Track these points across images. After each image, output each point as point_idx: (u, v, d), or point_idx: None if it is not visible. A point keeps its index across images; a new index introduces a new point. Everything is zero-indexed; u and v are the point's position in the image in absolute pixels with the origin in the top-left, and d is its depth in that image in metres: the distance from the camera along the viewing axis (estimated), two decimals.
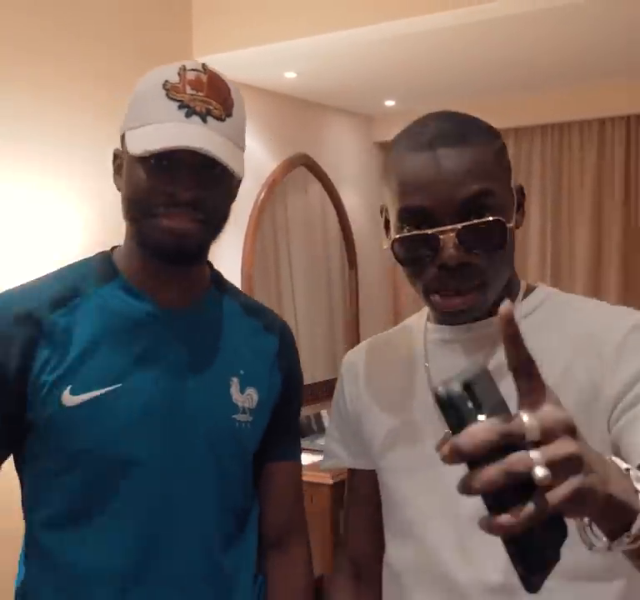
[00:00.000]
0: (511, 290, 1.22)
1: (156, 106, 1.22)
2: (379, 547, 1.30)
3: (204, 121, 1.21)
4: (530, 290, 1.24)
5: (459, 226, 1.09)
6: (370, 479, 1.31)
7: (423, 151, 1.12)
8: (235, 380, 1.34)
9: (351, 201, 4.63)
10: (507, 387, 1.02)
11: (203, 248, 1.30)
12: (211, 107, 1.22)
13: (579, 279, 4.40)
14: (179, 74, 1.23)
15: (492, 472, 0.65)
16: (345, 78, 3.85)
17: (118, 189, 1.30)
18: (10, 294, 1.30)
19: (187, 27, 3.34)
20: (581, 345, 1.15)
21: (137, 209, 1.25)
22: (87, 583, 1.27)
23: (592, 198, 4.41)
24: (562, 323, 1.20)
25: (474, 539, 1.13)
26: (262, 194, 3.90)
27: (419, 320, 1.32)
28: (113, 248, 1.38)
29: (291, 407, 1.42)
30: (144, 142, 1.20)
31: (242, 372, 1.35)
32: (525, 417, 0.68)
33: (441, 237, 1.09)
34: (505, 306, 0.74)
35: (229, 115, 1.25)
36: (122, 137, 1.28)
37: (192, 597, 1.30)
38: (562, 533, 0.72)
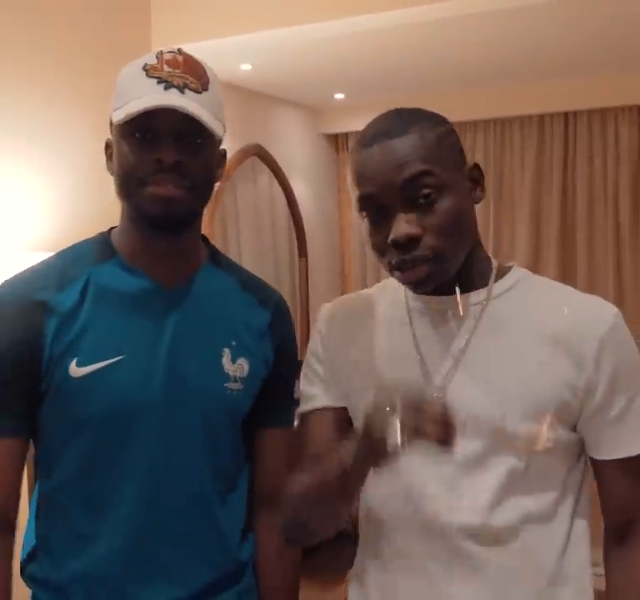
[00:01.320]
0: (483, 269, 1.33)
1: (136, 84, 1.30)
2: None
3: (182, 92, 1.29)
4: (504, 270, 1.34)
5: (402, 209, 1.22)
6: (335, 414, 1.38)
7: (367, 147, 1.25)
8: (227, 351, 1.43)
9: (300, 191, 4.67)
10: (479, 350, 1.23)
11: (192, 214, 1.38)
12: (188, 82, 1.30)
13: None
14: (157, 57, 1.32)
15: None
16: (297, 72, 3.90)
17: (111, 173, 1.38)
18: (16, 280, 1.40)
19: (146, 19, 3.36)
20: (562, 329, 1.26)
21: (126, 182, 1.33)
22: (93, 540, 1.37)
23: (531, 194, 4.48)
24: (538, 305, 1.30)
25: (456, 486, 1.25)
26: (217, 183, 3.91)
27: (398, 285, 1.39)
28: (111, 229, 1.46)
29: (282, 377, 1.50)
30: (126, 110, 1.28)
31: (234, 343, 1.44)
32: None
33: (391, 218, 1.22)
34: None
35: (206, 89, 1.33)
36: (110, 123, 1.35)
37: (190, 549, 1.41)
38: None
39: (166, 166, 1.29)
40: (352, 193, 1.29)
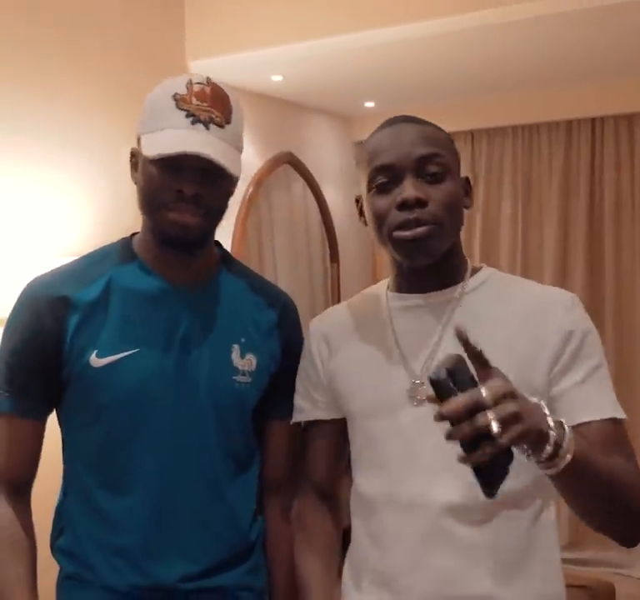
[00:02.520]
0: (460, 266, 1.46)
1: (167, 114, 1.42)
2: (336, 474, 1.57)
3: (207, 128, 1.42)
4: (476, 270, 1.48)
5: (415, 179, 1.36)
6: (331, 427, 1.54)
7: (387, 127, 1.42)
8: (236, 347, 1.55)
9: (332, 198, 4.71)
10: (453, 341, 1.27)
11: (205, 237, 1.51)
12: (213, 116, 1.43)
13: (547, 276, 4.45)
14: (187, 87, 1.43)
15: (464, 427, 1.02)
16: (328, 81, 3.95)
17: (135, 183, 1.51)
18: (44, 278, 1.53)
19: (180, 32, 3.43)
20: (527, 315, 1.38)
21: (149, 203, 1.46)
22: (114, 517, 1.49)
23: (559, 199, 4.48)
24: (507, 297, 1.43)
25: (437, 468, 1.35)
26: (250, 191, 3.96)
27: (379, 290, 1.54)
28: (133, 235, 1.59)
29: (290, 373, 1.60)
30: (157, 146, 1.41)
31: (243, 340, 1.56)
32: (482, 390, 1.05)
33: (403, 182, 1.35)
34: (459, 327, 1.10)
35: (228, 122, 1.45)
36: (138, 139, 1.47)
37: (203, 527, 1.51)
38: (511, 458, 1.08)
39: (186, 197, 1.42)
40: (363, 174, 1.42)
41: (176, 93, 1.43)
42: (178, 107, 1.42)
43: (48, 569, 1.55)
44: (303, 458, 1.60)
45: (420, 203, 1.35)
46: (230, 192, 1.51)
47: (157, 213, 1.45)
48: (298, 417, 1.58)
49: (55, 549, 1.56)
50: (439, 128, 1.44)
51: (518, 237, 4.61)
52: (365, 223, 1.47)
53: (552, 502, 1.43)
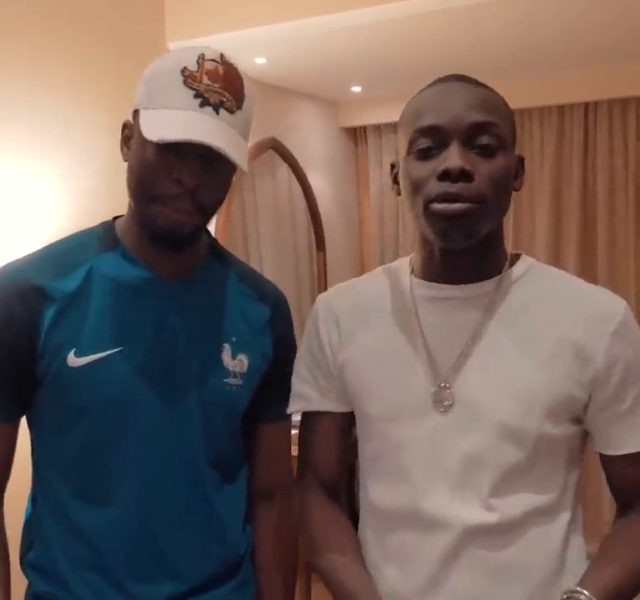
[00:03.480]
0: (498, 256, 1.31)
1: (173, 91, 1.27)
2: (341, 469, 1.43)
3: (216, 112, 1.27)
4: (514, 259, 1.33)
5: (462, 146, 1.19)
6: (337, 420, 1.40)
7: (438, 83, 1.26)
8: (227, 346, 1.43)
9: (318, 184, 4.65)
10: (488, 342, 1.23)
11: (197, 233, 1.38)
12: (224, 100, 1.28)
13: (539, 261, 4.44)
14: (198, 63, 1.27)
15: None
16: (313, 64, 3.88)
17: (125, 160, 1.36)
18: (15, 265, 1.38)
19: (159, 12, 3.34)
20: (571, 326, 1.25)
21: (142, 191, 1.32)
22: (91, 531, 1.37)
23: (551, 185, 4.44)
24: (553, 296, 1.29)
25: (462, 483, 1.24)
26: (233, 178, 3.90)
27: (400, 272, 1.37)
28: (115, 218, 1.46)
29: (281, 372, 1.50)
30: (159, 129, 1.26)
31: (234, 339, 1.44)
32: None
33: (449, 149, 1.19)
34: None
35: (240, 108, 1.31)
36: (136, 113, 1.33)
37: (190, 541, 1.41)
38: None
39: (185, 188, 1.29)
40: (403, 134, 1.25)
41: (185, 68, 1.27)
42: (187, 84, 1.27)
43: (18, 581, 1.44)
44: (305, 453, 1.46)
45: (465, 176, 1.18)
46: (229, 184, 1.38)
47: (150, 205, 1.31)
48: (304, 406, 1.43)
49: (25, 564, 1.45)
50: (499, 95, 1.28)
51: (509, 224, 4.56)
52: (398, 193, 1.30)
53: (580, 513, 1.33)
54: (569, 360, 1.23)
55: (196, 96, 1.27)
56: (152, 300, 1.39)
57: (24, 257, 1.40)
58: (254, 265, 4.19)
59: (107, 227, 1.44)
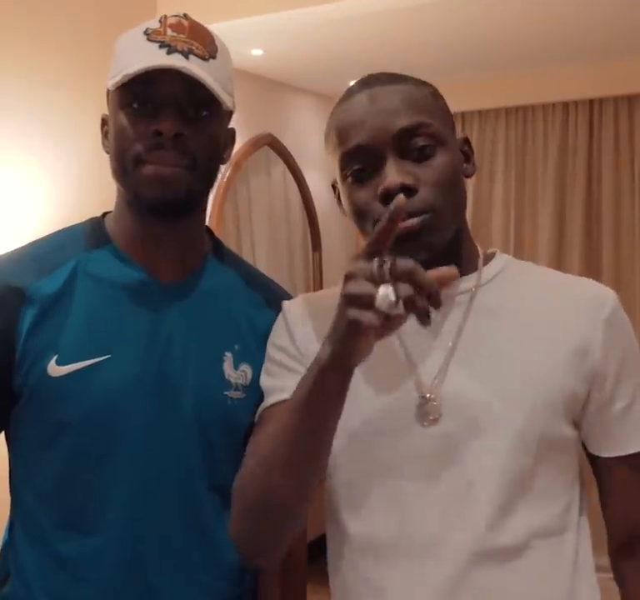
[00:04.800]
0: (470, 253, 1.23)
1: (136, 49, 1.22)
2: None
3: (186, 57, 1.19)
4: (488, 257, 1.25)
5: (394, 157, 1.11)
6: None
7: (355, 94, 1.16)
8: (229, 355, 1.32)
9: (315, 182, 4.63)
10: (472, 343, 1.15)
11: (193, 197, 1.27)
12: (192, 47, 1.20)
13: (541, 262, 4.36)
14: (160, 21, 1.23)
15: None
16: (311, 57, 3.87)
17: (107, 152, 1.28)
18: None
19: (151, 1, 3.29)
20: (557, 315, 1.18)
21: (122, 159, 1.23)
22: (75, 564, 1.26)
23: (555, 184, 4.43)
24: (530, 291, 1.22)
25: (457, 503, 1.13)
26: (227, 175, 3.87)
27: None
28: (104, 214, 1.36)
29: None
30: (122, 73, 1.18)
31: (236, 347, 1.32)
32: None
33: (384, 167, 1.10)
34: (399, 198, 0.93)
35: (213, 57, 1.23)
36: (107, 95, 1.26)
37: (185, 575, 1.29)
38: None
39: (165, 139, 1.19)
40: (333, 157, 1.18)
41: (147, 29, 1.22)
42: (150, 39, 1.20)
43: None
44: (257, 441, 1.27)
45: (407, 190, 1.08)
46: (219, 138, 1.28)
47: (132, 172, 1.22)
48: (280, 396, 1.23)
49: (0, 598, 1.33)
50: (420, 83, 1.17)
51: (511, 223, 4.55)
52: (344, 213, 1.22)
53: (587, 532, 1.22)
54: (566, 352, 1.16)
55: (161, 46, 1.20)
56: (146, 302, 1.28)
57: (1, 254, 1.30)
58: None
59: (96, 223, 1.34)
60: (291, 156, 4.40)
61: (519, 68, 4.23)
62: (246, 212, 4.19)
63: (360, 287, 0.93)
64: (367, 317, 0.91)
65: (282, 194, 4.47)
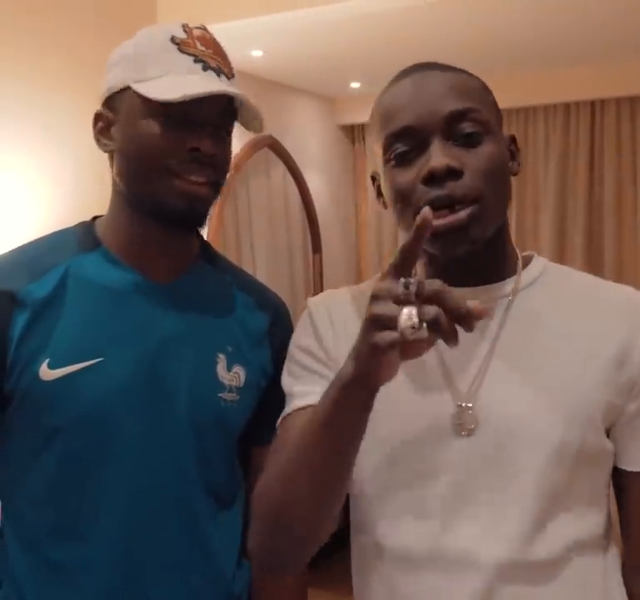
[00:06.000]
0: (510, 255, 1.19)
1: (170, 58, 1.22)
2: None
3: (218, 76, 1.23)
4: (527, 260, 1.21)
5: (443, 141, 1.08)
6: None
7: (403, 77, 1.13)
8: (222, 357, 1.31)
9: (315, 184, 4.62)
10: (509, 351, 1.11)
11: (208, 211, 1.28)
12: (220, 65, 1.25)
13: None
14: (185, 31, 1.24)
15: None
16: (311, 59, 3.86)
17: (105, 150, 1.28)
18: None
19: (152, 3, 3.30)
20: (600, 324, 1.14)
21: (148, 167, 1.22)
22: (68, 571, 1.24)
23: (556, 185, 4.43)
24: (571, 297, 1.18)
25: (490, 516, 1.10)
26: (227, 176, 3.86)
27: None
28: (94, 219, 1.35)
29: (280, 389, 1.35)
30: (176, 89, 1.18)
31: (229, 348, 1.32)
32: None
33: (429, 149, 1.07)
34: (425, 211, 0.87)
35: (233, 76, 1.27)
36: (115, 94, 1.25)
37: (179, 579, 1.28)
38: None
39: (202, 156, 1.20)
40: (376, 142, 1.14)
41: (174, 37, 1.23)
42: (182, 51, 1.22)
43: None
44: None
45: (453, 174, 1.05)
46: (231, 154, 1.32)
47: (161, 183, 1.22)
48: (305, 400, 1.20)
49: None
50: (471, 74, 1.15)
51: (513, 223, 4.56)
52: (384, 205, 1.17)
53: (616, 547, 1.20)
54: (604, 361, 1.12)
55: (196, 61, 1.23)
56: (137, 304, 1.27)
57: None
58: (247, 267, 4.14)
59: (86, 227, 1.33)
60: (291, 157, 4.39)
61: (521, 70, 4.23)
62: (246, 214, 4.19)
63: (384, 308, 0.89)
64: (389, 339, 0.88)
65: (282, 196, 4.47)
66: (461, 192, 1.05)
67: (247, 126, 1.30)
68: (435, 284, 0.87)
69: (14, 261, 1.28)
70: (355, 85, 4.49)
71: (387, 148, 1.10)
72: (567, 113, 4.41)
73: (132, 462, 1.24)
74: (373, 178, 1.20)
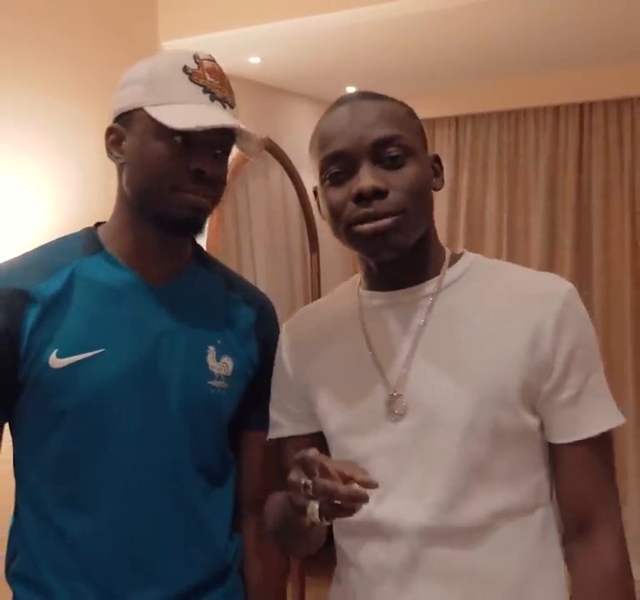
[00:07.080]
0: (436, 257, 1.31)
1: (180, 87, 1.33)
2: None
3: (224, 107, 1.36)
4: (456, 258, 1.33)
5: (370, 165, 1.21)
6: (310, 440, 1.37)
7: (338, 106, 1.27)
8: (211, 348, 1.43)
9: (312, 185, 4.58)
10: (431, 343, 1.24)
11: (206, 220, 1.40)
12: (226, 96, 1.37)
13: (533, 266, 4.39)
14: (196, 61, 1.35)
15: None
16: (308, 64, 3.88)
17: (117, 162, 1.39)
18: None
19: (152, 11, 3.31)
20: (514, 310, 1.24)
21: (158, 184, 1.33)
22: (76, 539, 1.35)
23: (546, 187, 4.44)
24: (491, 289, 1.28)
25: (417, 489, 1.22)
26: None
27: (351, 287, 1.40)
28: (97, 225, 1.47)
29: (266, 379, 1.48)
30: (187, 119, 1.30)
31: (218, 341, 1.44)
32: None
33: (359, 171, 1.21)
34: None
35: (235, 105, 1.40)
36: (127, 113, 1.35)
37: (175, 548, 1.39)
38: None
39: (206, 178, 1.33)
40: (315, 163, 1.28)
41: (185, 66, 1.35)
42: (193, 81, 1.35)
43: (4, 592, 1.42)
44: (280, 481, 1.42)
45: (379, 193, 1.20)
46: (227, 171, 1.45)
47: (166, 197, 1.34)
48: (276, 432, 1.44)
49: (10, 574, 1.42)
50: (398, 103, 1.29)
51: (504, 224, 4.57)
52: (323, 217, 1.33)
53: (554, 515, 1.30)
54: (518, 345, 1.22)
55: (204, 91, 1.34)
56: (136, 302, 1.40)
57: (5, 261, 1.41)
58: (247, 267, 4.17)
59: (89, 233, 1.46)
60: (288, 160, 4.33)
61: (511, 74, 4.24)
62: (245, 216, 4.19)
63: (297, 496, 1.11)
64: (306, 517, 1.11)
65: (280, 198, 4.47)
66: (385, 209, 1.20)
67: (242, 149, 1.43)
68: (325, 484, 1.06)
69: (26, 263, 1.40)
70: (350, 89, 4.40)
71: (323, 169, 1.25)
72: (556, 116, 4.42)
73: (130, 443, 1.35)
74: (315, 192, 1.35)
